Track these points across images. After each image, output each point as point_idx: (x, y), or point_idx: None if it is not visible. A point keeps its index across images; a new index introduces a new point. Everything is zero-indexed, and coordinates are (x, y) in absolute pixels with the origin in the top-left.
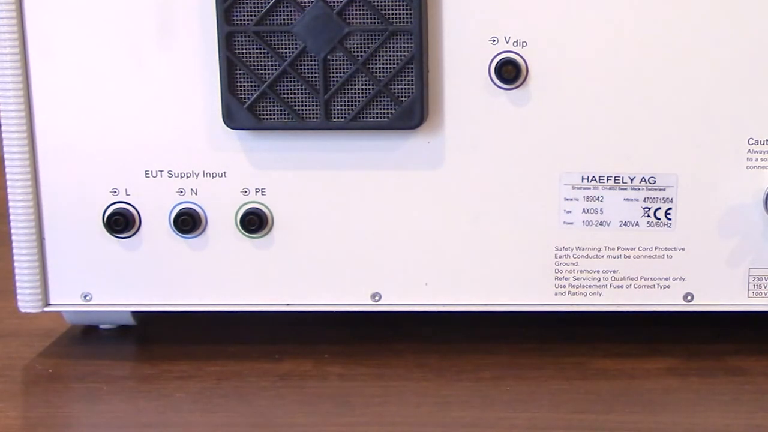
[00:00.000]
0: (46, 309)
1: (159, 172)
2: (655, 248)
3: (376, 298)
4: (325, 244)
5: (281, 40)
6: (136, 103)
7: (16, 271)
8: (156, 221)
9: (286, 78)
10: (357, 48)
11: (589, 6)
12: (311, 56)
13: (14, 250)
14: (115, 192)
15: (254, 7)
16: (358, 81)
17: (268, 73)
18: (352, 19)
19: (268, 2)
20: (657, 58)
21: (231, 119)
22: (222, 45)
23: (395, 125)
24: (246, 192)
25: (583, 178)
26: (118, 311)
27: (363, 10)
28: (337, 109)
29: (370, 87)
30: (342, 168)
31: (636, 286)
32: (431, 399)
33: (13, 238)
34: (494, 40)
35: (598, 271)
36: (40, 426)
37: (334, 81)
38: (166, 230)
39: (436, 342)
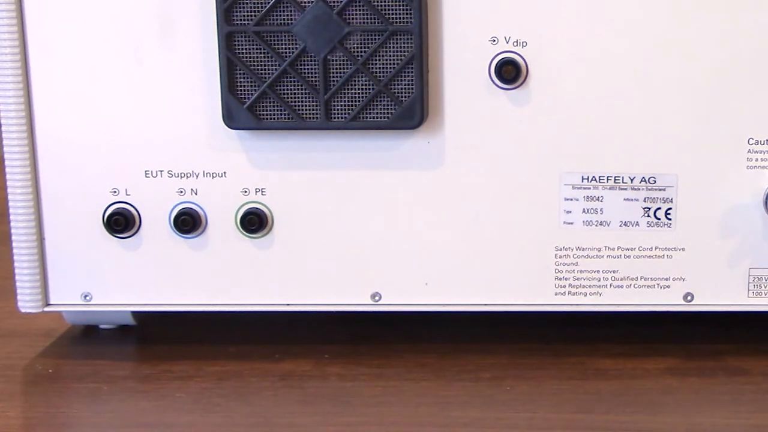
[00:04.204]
0: (46, 309)
1: (159, 172)
2: (655, 248)
3: (376, 298)
4: (325, 244)
5: (281, 40)
6: (136, 103)
7: (16, 271)
8: (156, 221)
9: (286, 78)
10: (357, 48)
11: (588, 6)
12: (311, 56)
13: (14, 250)
14: (115, 192)
15: (254, 7)
16: (358, 81)
17: (268, 73)
18: (352, 19)
19: (268, 2)
20: (657, 58)
21: (231, 119)
22: (222, 45)
23: (395, 125)
24: (246, 192)
25: (583, 178)
26: (118, 311)
27: (363, 10)
28: (337, 109)
29: (370, 87)
30: (342, 168)
31: (636, 286)
32: (431, 399)
33: (13, 238)
34: (494, 40)
35: (598, 271)
36: (40, 426)
37: (334, 81)
38: (166, 230)
39: (436, 342)
